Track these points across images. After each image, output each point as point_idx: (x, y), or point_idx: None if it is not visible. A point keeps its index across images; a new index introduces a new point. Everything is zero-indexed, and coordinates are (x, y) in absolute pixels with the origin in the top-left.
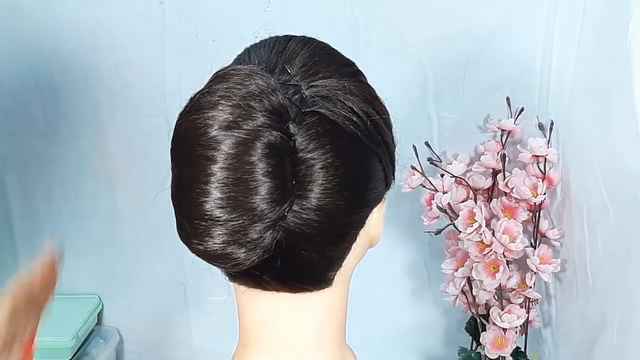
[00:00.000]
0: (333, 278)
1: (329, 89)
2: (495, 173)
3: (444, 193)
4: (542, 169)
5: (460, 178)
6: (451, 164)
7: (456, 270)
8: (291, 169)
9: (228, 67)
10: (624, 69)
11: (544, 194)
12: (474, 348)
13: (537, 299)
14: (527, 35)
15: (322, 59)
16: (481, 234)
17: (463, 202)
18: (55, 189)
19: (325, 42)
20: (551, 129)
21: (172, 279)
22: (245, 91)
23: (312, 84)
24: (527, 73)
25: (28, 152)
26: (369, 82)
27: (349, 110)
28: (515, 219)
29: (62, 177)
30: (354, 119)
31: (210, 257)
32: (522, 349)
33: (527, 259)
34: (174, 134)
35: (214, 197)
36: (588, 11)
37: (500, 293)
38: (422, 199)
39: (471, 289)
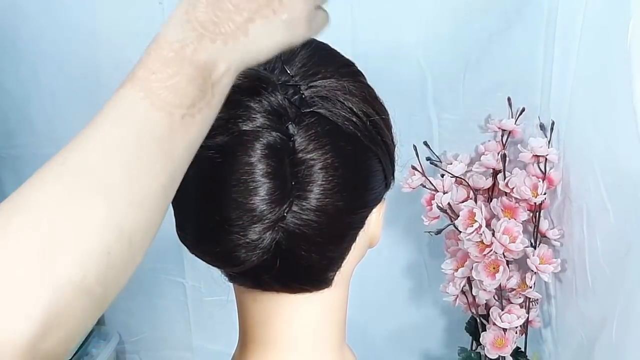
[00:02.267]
0: (333, 278)
1: (329, 89)
2: (495, 173)
3: (444, 193)
4: (543, 169)
5: (460, 178)
6: (451, 164)
7: (456, 270)
8: (290, 169)
9: None
10: (624, 69)
11: (544, 194)
12: (474, 348)
13: (537, 299)
14: (527, 35)
15: (321, 59)
16: (481, 234)
17: (463, 202)
18: None
19: (325, 42)
20: (552, 129)
21: (172, 279)
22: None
23: (312, 84)
24: (528, 73)
25: (26, 152)
26: (368, 83)
27: (348, 110)
28: (515, 219)
29: None
30: (354, 119)
31: (210, 258)
32: (522, 349)
33: (527, 259)
34: None
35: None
36: (588, 11)
37: (500, 293)
38: (422, 199)
39: (471, 289)
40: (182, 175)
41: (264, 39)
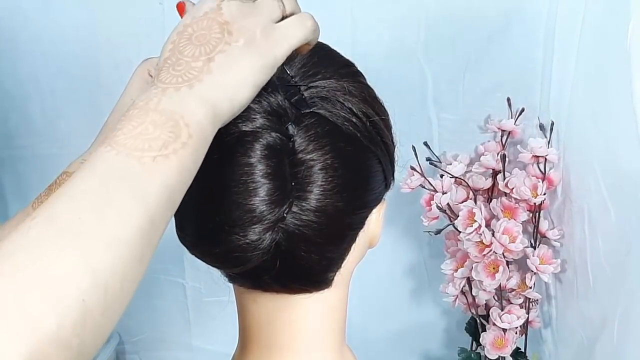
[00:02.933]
0: (332, 279)
1: (328, 89)
2: (495, 173)
3: (443, 193)
4: (542, 169)
5: (460, 178)
6: (451, 164)
7: (456, 270)
8: (290, 170)
9: None
10: (624, 69)
11: (544, 194)
12: (474, 348)
13: (537, 300)
14: (527, 35)
15: (321, 59)
16: (481, 234)
17: (463, 202)
18: None
19: (325, 42)
20: (551, 129)
21: (172, 279)
22: None
23: (311, 84)
24: (527, 73)
25: (26, 152)
26: (368, 83)
27: (348, 111)
28: (515, 220)
29: None
30: (353, 119)
31: (210, 258)
32: (522, 350)
33: (527, 260)
34: None
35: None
36: (588, 11)
37: (500, 293)
38: (421, 199)
39: (471, 289)
40: (165, 218)
41: (230, 69)
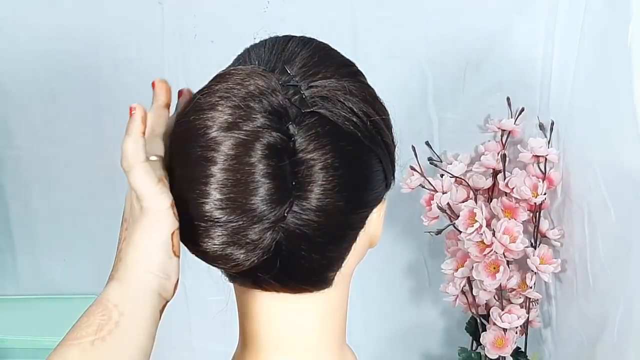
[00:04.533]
0: (333, 278)
1: (329, 89)
2: (495, 173)
3: (443, 193)
4: (543, 169)
5: (460, 178)
6: (451, 164)
7: (456, 270)
8: (291, 169)
9: (229, 67)
10: (624, 69)
11: (545, 194)
12: (474, 348)
13: (538, 299)
14: (527, 35)
15: (321, 59)
16: (482, 234)
17: (463, 202)
18: (54, 189)
19: (325, 42)
20: (552, 129)
21: None
22: (244, 92)
23: (312, 84)
24: (527, 73)
25: (27, 152)
26: (368, 83)
27: (348, 110)
28: (515, 219)
29: (61, 177)
30: (354, 119)
31: (210, 258)
32: (522, 349)
33: (528, 259)
34: (173, 134)
35: (214, 198)
36: (588, 11)
37: (501, 293)
38: (421, 199)
39: (471, 289)
40: None
41: (130, 249)
